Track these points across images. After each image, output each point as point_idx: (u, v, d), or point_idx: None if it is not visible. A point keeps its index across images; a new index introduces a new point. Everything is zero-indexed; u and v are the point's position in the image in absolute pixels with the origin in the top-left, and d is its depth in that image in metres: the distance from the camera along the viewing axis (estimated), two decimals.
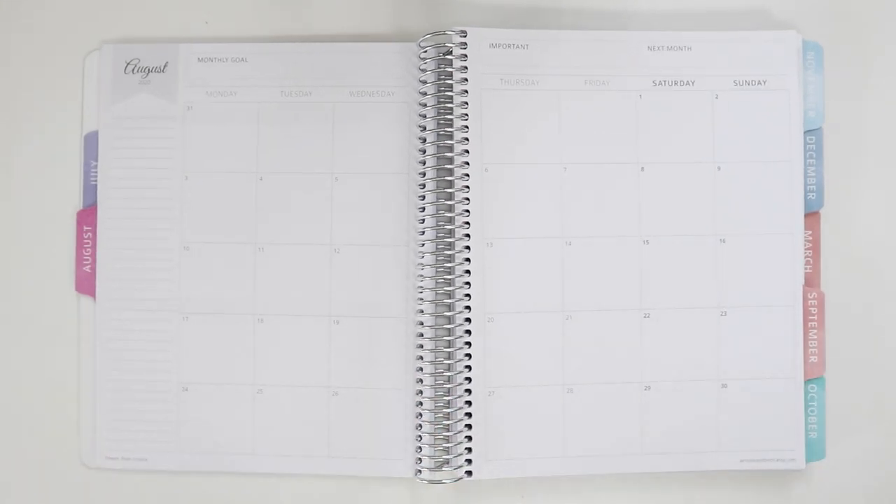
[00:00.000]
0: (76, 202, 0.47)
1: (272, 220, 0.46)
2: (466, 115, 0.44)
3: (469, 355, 0.44)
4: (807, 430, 0.45)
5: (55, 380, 0.46)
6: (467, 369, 0.44)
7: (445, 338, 0.44)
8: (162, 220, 0.46)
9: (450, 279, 0.45)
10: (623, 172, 0.45)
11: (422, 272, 0.45)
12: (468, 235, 0.44)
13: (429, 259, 0.45)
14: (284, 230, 0.45)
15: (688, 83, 0.45)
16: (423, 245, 0.45)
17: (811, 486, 0.46)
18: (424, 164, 0.45)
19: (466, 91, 0.44)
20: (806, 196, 0.45)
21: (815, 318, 0.45)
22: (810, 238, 0.46)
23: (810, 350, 0.45)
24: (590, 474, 0.44)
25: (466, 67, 0.45)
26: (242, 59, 0.46)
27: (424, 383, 0.44)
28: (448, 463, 0.44)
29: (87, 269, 0.46)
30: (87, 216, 0.46)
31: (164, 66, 0.46)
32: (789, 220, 0.45)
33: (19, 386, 0.46)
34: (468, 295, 0.44)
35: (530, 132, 0.45)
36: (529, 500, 0.46)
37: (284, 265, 0.45)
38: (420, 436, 0.44)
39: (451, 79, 0.45)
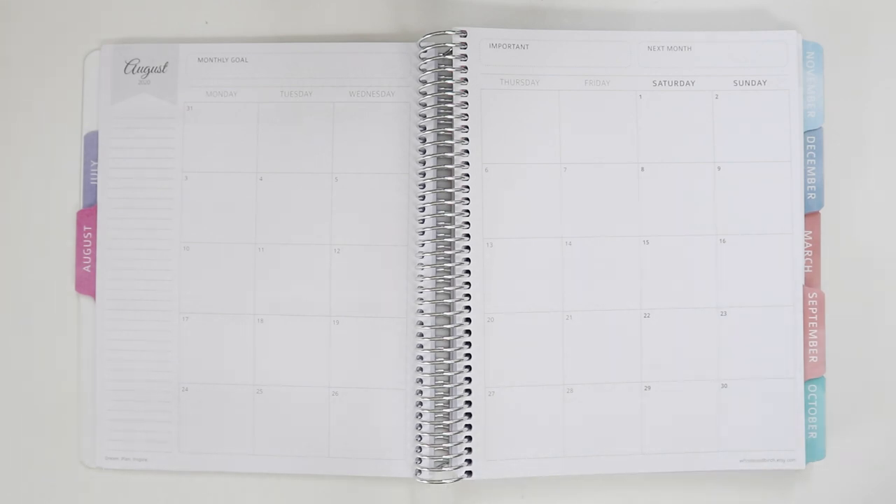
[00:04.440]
0: (76, 202, 0.47)
1: (272, 220, 0.45)
2: (466, 115, 0.44)
3: (469, 355, 0.44)
4: (807, 430, 0.45)
5: (55, 380, 0.46)
6: (467, 369, 0.44)
7: (445, 338, 0.44)
8: (162, 220, 0.46)
9: (450, 279, 0.45)
10: (623, 172, 0.45)
11: (422, 272, 0.44)
12: (468, 235, 0.44)
13: (429, 259, 0.45)
14: (284, 230, 0.45)
15: (688, 83, 0.45)
16: (423, 245, 0.45)
17: (811, 486, 0.46)
18: (424, 164, 0.45)
19: (466, 91, 0.44)
20: (806, 196, 0.45)
21: (815, 318, 0.45)
22: (810, 238, 0.46)
23: (810, 350, 0.45)
24: (590, 474, 0.44)
25: (466, 67, 0.45)
26: (242, 59, 0.46)
27: (424, 383, 0.44)
28: (448, 463, 0.44)
29: (87, 269, 0.46)
30: (87, 216, 0.46)
31: (164, 66, 0.46)
32: (789, 220, 0.45)
33: (19, 386, 0.46)
34: (468, 295, 0.44)
35: (530, 132, 0.45)
36: (529, 500, 0.46)
37: (284, 265, 0.45)
38: (420, 436, 0.44)
39: (451, 79, 0.45)
